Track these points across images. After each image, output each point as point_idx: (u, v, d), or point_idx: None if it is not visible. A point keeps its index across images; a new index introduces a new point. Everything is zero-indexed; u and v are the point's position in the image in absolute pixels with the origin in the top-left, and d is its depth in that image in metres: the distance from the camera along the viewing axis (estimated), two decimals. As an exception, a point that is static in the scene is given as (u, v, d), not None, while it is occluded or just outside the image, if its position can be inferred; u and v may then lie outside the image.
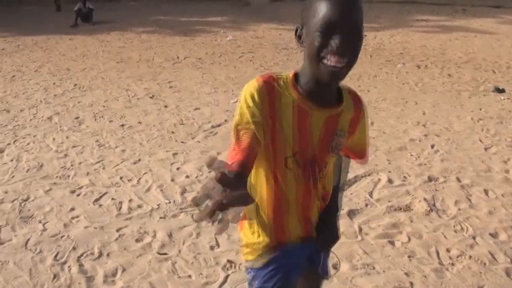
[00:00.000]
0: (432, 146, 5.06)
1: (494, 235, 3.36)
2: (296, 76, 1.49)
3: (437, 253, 3.12)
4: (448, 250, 3.15)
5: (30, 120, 5.57)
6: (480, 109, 6.52)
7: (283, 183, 1.53)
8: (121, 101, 6.35)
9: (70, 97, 6.51)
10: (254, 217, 1.61)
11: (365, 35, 1.24)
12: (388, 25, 13.67)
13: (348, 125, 1.55)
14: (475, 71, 9.01)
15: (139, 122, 5.52)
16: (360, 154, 1.72)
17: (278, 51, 10.14)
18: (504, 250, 3.19)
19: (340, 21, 1.34)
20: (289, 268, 1.63)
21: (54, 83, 7.20)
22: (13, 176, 4.10)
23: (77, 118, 5.64)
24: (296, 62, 9.37)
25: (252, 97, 1.42)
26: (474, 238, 3.31)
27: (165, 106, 6.18)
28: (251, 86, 1.44)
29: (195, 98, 6.62)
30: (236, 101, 6.53)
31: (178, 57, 9.40)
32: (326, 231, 1.66)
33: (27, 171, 4.20)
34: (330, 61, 1.35)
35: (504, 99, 7.15)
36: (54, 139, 4.92)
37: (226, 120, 5.69)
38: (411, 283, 2.81)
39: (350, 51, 1.37)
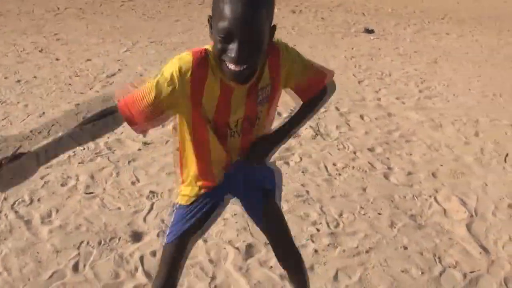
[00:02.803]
0: (314, 82, 5.70)
1: (371, 149, 4.07)
2: None
3: (326, 167, 3.75)
4: (334, 164, 3.80)
5: None
6: (352, 48, 7.30)
7: (206, 143, 1.62)
8: (11, 57, 6.24)
9: (-47, 56, 6.25)
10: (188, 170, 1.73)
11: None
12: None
13: (269, 76, 1.58)
14: (346, 14, 9.84)
15: (35, 77, 5.53)
16: (316, 80, 1.71)
17: (159, -1, 10.20)
18: (381, 160, 3.91)
19: (238, 31, 1.33)
20: (214, 202, 1.77)
21: None
22: None
23: (-32, 77, 5.51)
24: (177, 9, 9.55)
25: (179, 73, 1.46)
26: (355, 153, 3.99)
27: (57, 59, 6.19)
28: (183, 60, 1.47)
29: (84, 49, 6.67)
30: (126, 50, 6.69)
31: (58, 8, 9.15)
32: (252, 150, 1.71)
33: None
34: (230, 66, 1.39)
35: (373, 38, 8.00)
36: (-51, 100, 4.83)
37: (119, 70, 5.88)
38: (307, 191, 3.41)
39: (249, 58, 1.38)
